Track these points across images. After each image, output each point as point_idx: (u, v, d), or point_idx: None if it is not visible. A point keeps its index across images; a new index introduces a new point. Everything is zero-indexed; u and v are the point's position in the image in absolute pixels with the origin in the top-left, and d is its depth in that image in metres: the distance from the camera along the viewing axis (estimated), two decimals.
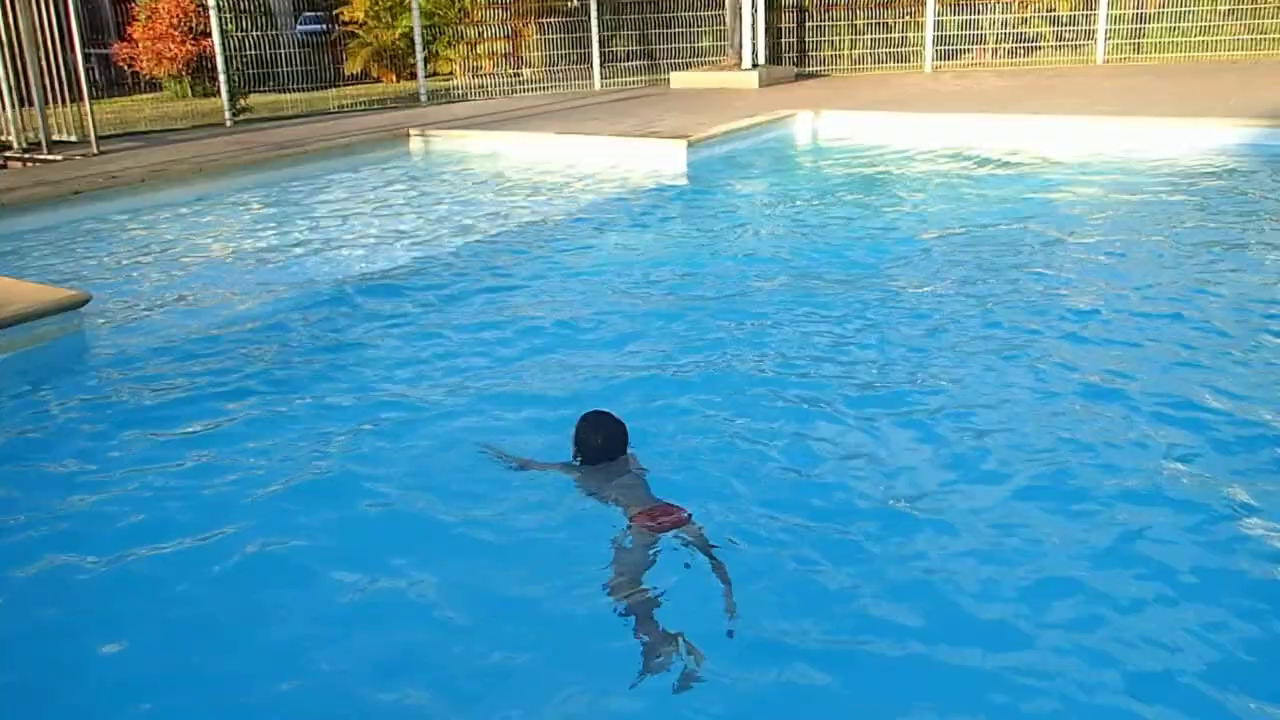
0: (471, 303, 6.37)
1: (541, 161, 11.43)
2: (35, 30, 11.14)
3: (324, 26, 22.44)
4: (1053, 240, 7.31)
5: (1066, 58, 18.69)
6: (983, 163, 10.54)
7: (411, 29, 20.33)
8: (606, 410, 3.90)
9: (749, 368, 5.03)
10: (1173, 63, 17.98)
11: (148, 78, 19.09)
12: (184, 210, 9.47)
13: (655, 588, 3.12)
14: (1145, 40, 18.70)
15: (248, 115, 14.87)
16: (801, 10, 18.71)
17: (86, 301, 5.81)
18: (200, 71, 18.25)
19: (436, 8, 19.44)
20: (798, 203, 9.38)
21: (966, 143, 11.32)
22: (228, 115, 14.36)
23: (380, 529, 3.70)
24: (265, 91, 16.32)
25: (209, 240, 8.43)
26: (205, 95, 17.87)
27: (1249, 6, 18.01)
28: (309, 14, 23.37)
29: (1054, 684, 2.73)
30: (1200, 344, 5.04)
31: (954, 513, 3.58)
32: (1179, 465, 3.87)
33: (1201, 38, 18.25)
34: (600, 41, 17.61)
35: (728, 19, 17.32)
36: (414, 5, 16.42)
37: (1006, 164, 10.40)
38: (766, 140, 12.14)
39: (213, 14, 14.07)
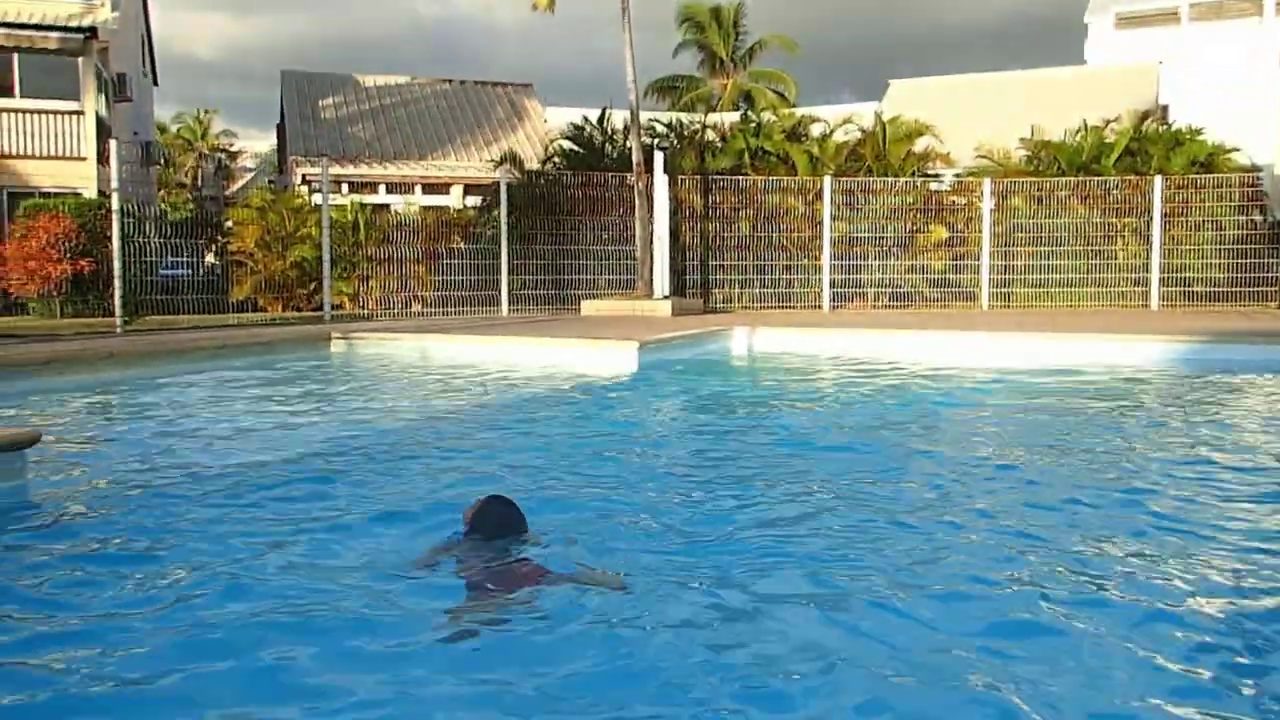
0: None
1: (480, 364, 10.82)
2: None
3: (188, 272, 22.08)
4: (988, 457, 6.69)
5: (951, 304, 19.90)
6: (914, 372, 10.59)
7: (302, 259, 20.13)
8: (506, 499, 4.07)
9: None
10: (1041, 310, 19.38)
11: (15, 298, 17.77)
12: (81, 396, 8.35)
13: None
14: (1014, 291, 20.36)
15: (139, 326, 13.83)
16: (705, 249, 19.34)
17: (37, 440, 4.77)
18: (77, 291, 17.16)
19: (331, 239, 19.14)
20: (749, 407, 8.83)
21: (903, 354, 11.42)
22: (119, 324, 13.29)
23: None
24: (147, 314, 15.29)
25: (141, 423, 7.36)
26: (77, 316, 16.69)
27: (1099, 262, 20.03)
28: (173, 259, 23.26)
29: None
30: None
31: None
32: None
33: (1062, 289, 20.05)
34: (509, 269, 17.58)
35: (638, 251, 17.61)
36: (324, 223, 16.06)
37: (932, 373, 10.45)
38: (710, 350, 11.97)
39: (115, 218, 13.26)
